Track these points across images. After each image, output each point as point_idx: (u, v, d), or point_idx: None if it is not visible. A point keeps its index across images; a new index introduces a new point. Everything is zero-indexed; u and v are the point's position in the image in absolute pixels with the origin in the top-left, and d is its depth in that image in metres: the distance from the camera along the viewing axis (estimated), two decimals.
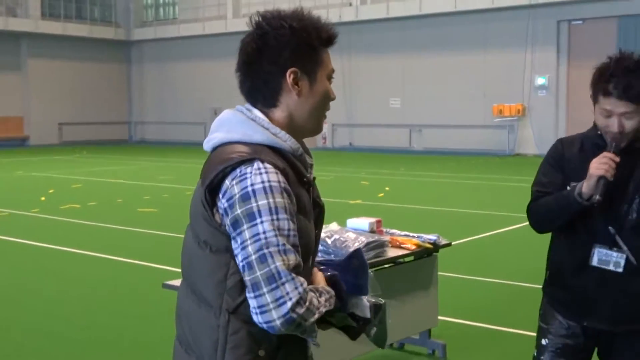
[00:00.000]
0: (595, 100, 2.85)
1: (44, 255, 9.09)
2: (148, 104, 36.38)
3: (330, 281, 2.09)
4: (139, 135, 36.84)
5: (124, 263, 8.56)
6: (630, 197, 2.81)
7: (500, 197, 14.34)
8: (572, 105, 23.98)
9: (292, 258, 1.80)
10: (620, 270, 2.80)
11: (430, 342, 5.34)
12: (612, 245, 2.82)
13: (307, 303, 1.79)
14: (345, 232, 4.63)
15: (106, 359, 5.38)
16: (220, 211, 1.88)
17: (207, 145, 2.01)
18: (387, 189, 15.55)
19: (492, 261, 8.53)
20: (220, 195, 1.87)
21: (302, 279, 1.79)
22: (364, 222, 4.94)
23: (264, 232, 1.79)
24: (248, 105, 2.03)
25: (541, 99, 24.81)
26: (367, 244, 4.53)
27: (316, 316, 1.83)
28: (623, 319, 2.88)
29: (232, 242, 1.85)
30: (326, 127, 29.10)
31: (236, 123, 1.96)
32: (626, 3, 22.52)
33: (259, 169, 1.83)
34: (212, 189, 1.89)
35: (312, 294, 1.84)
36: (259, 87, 1.99)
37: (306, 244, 1.94)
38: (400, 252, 4.85)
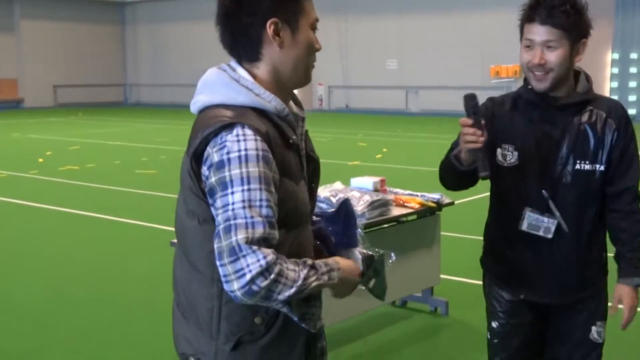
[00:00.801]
0: (521, 37, 2.61)
1: (45, 216, 9.12)
2: (143, 66, 36.12)
3: (317, 235, 2.08)
4: (134, 98, 36.64)
5: (125, 224, 8.60)
6: (565, 158, 2.61)
7: None
8: None
9: (259, 231, 1.73)
10: (549, 236, 2.64)
11: (432, 299, 5.41)
12: (544, 210, 2.64)
13: (274, 275, 1.72)
14: (350, 191, 4.66)
15: (112, 318, 5.44)
16: (203, 179, 1.83)
17: (193, 107, 1.96)
18: (384, 150, 15.56)
19: None
20: (203, 163, 1.83)
21: (267, 251, 1.73)
22: (368, 181, 4.97)
23: (233, 204, 1.74)
24: (233, 63, 1.96)
25: None
26: (372, 202, 4.56)
27: (293, 290, 1.76)
28: (562, 291, 2.73)
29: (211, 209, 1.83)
30: (322, 89, 28.99)
31: (220, 85, 1.90)
32: None
33: (238, 135, 1.77)
34: (197, 156, 1.84)
35: (291, 266, 1.78)
36: (239, 41, 1.92)
37: (295, 207, 1.90)
38: (404, 211, 4.89)
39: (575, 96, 2.63)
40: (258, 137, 1.78)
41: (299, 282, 1.77)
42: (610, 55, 23.42)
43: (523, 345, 2.81)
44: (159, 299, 5.76)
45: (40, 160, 14.25)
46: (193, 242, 1.92)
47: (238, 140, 1.76)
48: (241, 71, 1.92)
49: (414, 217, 5.11)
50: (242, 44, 1.91)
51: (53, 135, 19.51)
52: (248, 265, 1.71)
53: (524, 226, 2.66)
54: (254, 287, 1.71)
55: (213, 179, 1.78)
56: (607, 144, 2.62)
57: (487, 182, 2.75)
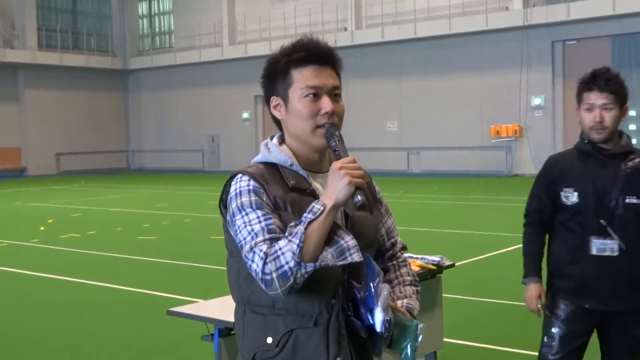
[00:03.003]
0: (579, 102, 3.45)
1: (44, 285, 9.04)
2: (145, 132, 36.44)
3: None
4: (137, 164, 36.85)
5: (125, 291, 8.51)
6: (617, 195, 3.37)
7: (500, 218, 14.32)
8: (568, 124, 24.03)
9: (260, 236, 2.04)
10: (616, 254, 3.37)
11: None
12: (605, 235, 3.38)
13: (270, 256, 1.98)
14: None
15: None
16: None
17: None
18: None
19: (495, 282, 8.49)
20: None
21: (262, 247, 2.00)
22: None
23: (238, 227, 2.09)
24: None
25: (538, 119, 24.89)
26: None
27: (293, 249, 1.96)
28: (618, 298, 3.42)
29: None
30: None
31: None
32: (619, 22, 22.69)
33: (236, 179, 2.17)
34: (224, 203, 2.21)
35: (280, 243, 2.00)
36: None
37: None
38: None
39: (620, 147, 3.44)
40: (250, 179, 2.15)
41: (291, 239, 1.99)
42: None
43: (577, 349, 3.52)
44: None
45: (42, 228, 14.22)
46: (229, 275, 2.27)
47: (236, 183, 2.16)
48: (275, 139, 2.29)
49: None
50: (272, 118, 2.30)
51: (55, 203, 19.53)
52: (257, 265, 2.00)
53: (594, 251, 3.40)
54: (267, 277, 1.98)
55: (228, 217, 2.16)
56: None
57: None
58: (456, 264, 5.35)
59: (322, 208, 2.02)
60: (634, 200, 3.39)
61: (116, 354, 6.12)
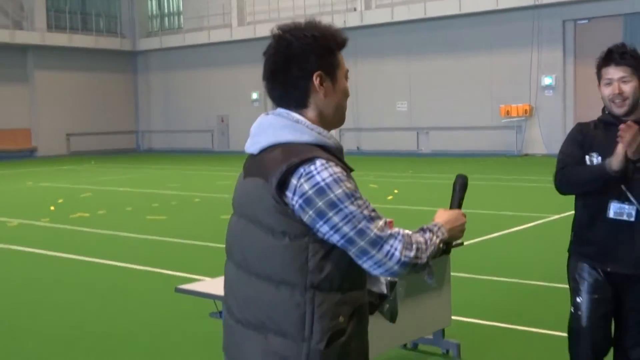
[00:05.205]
0: (599, 77, 3.53)
1: (55, 264, 9.09)
2: (155, 113, 36.47)
3: None
4: (146, 144, 36.92)
5: (134, 270, 8.55)
6: (637, 161, 3.40)
7: (510, 198, 14.28)
8: (579, 104, 23.90)
9: (380, 220, 2.12)
10: (632, 219, 3.44)
11: (444, 342, 5.31)
12: (624, 199, 3.45)
13: (414, 244, 2.12)
14: None
15: None
16: (291, 205, 2.12)
17: (254, 147, 2.25)
18: (396, 191, 15.50)
19: (504, 260, 8.48)
20: (288, 192, 2.12)
21: (396, 230, 2.12)
22: None
23: (351, 213, 2.09)
24: (282, 110, 2.25)
25: (548, 98, 24.74)
26: None
27: (430, 250, 2.15)
28: (638, 263, 3.48)
29: (319, 229, 2.11)
30: (333, 131, 29.07)
31: (282, 127, 2.20)
32: (631, 1, 22.46)
33: (323, 164, 2.10)
34: (280, 185, 2.12)
35: (417, 234, 2.18)
36: (290, 92, 2.24)
37: None
38: None
39: None
40: (339, 164, 2.15)
41: (429, 242, 2.16)
42: None
43: (603, 316, 3.57)
44: (166, 343, 5.69)
45: (52, 208, 14.29)
46: (281, 259, 2.15)
47: (326, 168, 2.10)
48: (296, 115, 2.23)
49: None
50: (293, 94, 2.23)
51: (65, 183, 19.61)
52: (392, 246, 2.10)
53: (611, 214, 3.48)
54: (405, 259, 2.09)
55: (320, 204, 2.08)
56: None
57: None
58: (465, 243, 5.33)
59: (447, 234, 2.26)
60: None
61: (124, 331, 6.16)
